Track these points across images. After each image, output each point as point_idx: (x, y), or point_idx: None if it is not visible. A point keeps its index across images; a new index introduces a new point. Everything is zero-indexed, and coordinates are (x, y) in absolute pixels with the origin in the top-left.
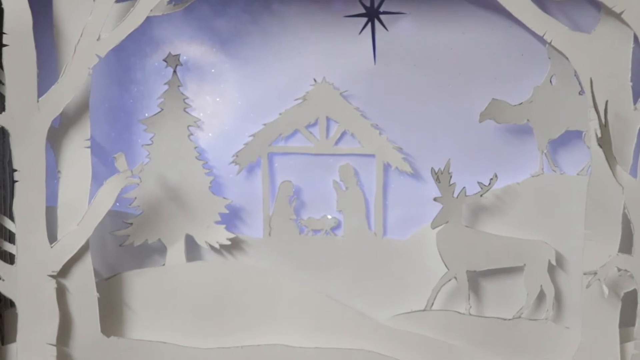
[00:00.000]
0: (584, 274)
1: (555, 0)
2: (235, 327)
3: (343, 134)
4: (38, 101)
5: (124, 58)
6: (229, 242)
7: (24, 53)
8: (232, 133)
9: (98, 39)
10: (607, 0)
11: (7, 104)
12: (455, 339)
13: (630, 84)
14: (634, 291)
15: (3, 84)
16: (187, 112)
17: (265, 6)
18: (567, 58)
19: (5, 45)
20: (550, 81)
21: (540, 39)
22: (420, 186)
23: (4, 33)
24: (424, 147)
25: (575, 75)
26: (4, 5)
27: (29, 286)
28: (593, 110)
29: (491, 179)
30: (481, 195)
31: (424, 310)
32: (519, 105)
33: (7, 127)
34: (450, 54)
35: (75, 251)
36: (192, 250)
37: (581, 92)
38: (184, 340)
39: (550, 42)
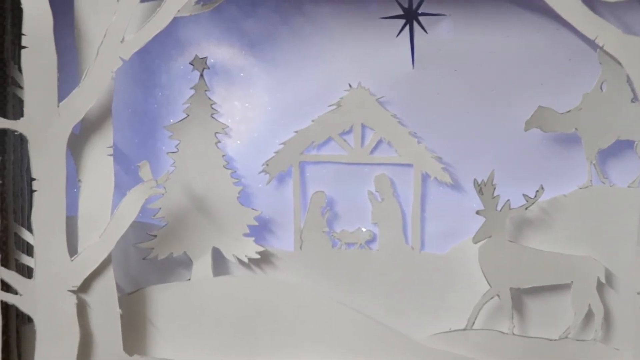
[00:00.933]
0: (638, 293)
1: (607, 1)
2: (265, 347)
3: (379, 142)
4: (58, 106)
5: (149, 61)
6: (258, 256)
7: (44, 55)
8: (261, 140)
9: (122, 41)
10: None
11: (26, 109)
12: (497, 359)
13: None
14: None
15: (22, 87)
16: (214, 118)
17: (297, 7)
18: (619, 63)
19: (25, 47)
20: (601, 88)
21: (591, 43)
22: (461, 198)
23: (23, 34)
24: (465, 157)
25: (628, 81)
26: (24, 5)
27: (48, 301)
28: None
29: (537, 191)
30: (526, 209)
31: (464, 329)
32: (567, 113)
33: (25, 133)
34: (494, 59)
35: (96, 265)
36: (220, 264)
37: (634, 100)
38: (211, 359)
39: (602, 47)
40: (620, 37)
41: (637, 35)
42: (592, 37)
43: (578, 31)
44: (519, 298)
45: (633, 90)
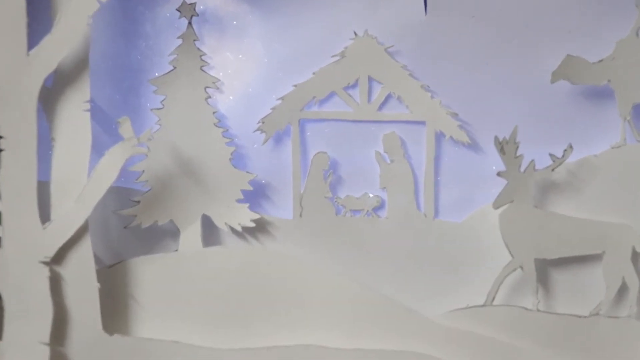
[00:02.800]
0: None
1: None
2: (260, 326)
3: (388, 98)
4: (28, 54)
5: (131, 8)
6: (253, 225)
7: None
8: (257, 96)
9: None
10: None
11: None
12: (521, 339)
13: None
14: None
15: None
16: (204, 71)
17: None
18: None
19: None
20: (637, 34)
21: None
22: (480, 159)
23: None
24: (484, 113)
25: None
26: None
27: (18, 275)
28: None
29: (565, 150)
30: (552, 170)
31: (483, 305)
32: (599, 63)
33: None
34: (516, 3)
35: (71, 233)
36: (210, 233)
37: None
38: (200, 339)
39: None
40: None
41: None
42: None
43: None
44: (545, 270)
45: None
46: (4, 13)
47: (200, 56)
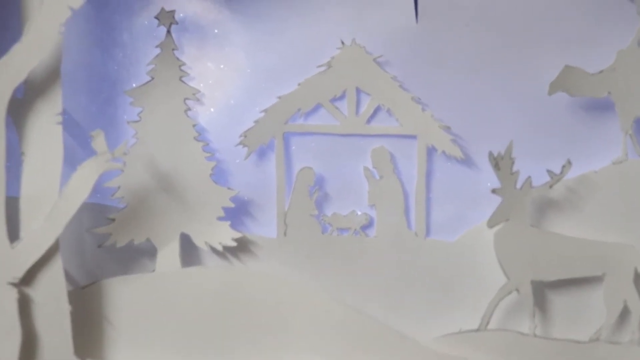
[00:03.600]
0: None
1: None
2: (243, 349)
3: (377, 110)
4: None
5: (107, 15)
6: (234, 243)
7: None
8: (239, 108)
9: None
10: None
11: None
12: None
13: None
14: None
15: None
16: (183, 82)
17: None
18: None
19: None
20: (639, 44)
21: None
22: (474, 175)
23: None
24: (479, 127)
25: None
26: None
27: None
28: None
29: (563, 166)
30: (550, 187)
31: (477, 330)
32: (599, 74)
33: None
34: (513, 10)
35: (42, 253)
36: (189, 253)
37: None
38: None
39: None
40: None
41: None
42: None
43: None
44: (542, 293)
45: None
46: None
47: (180, 66)
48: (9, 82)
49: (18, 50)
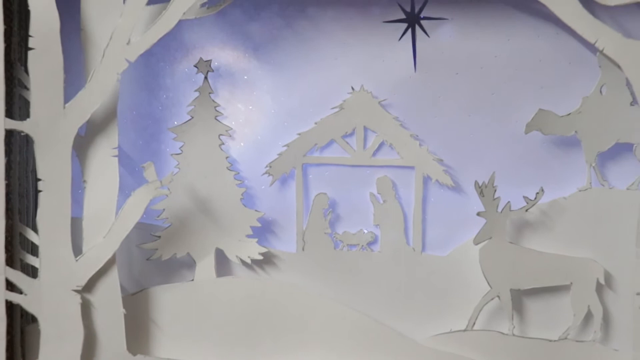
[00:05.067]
0: (637, 294)
1: (607, 5)
2: (267, 347)
3: (381, 145)
4: (64, 107)
5: (153, 63)
6: (261, 257)
7: (51, 57)
8: (265, 143)
9: (128, 43)
10: None
11: (32, 110)
12: None
13: None
14: None
15: (28, 89)
16: (218, 121)
17: (300, 10)
18: (619, 67)
19: (32, 49)
20: (601, 91)
21: (590, 47)
22: (462, 200)
23: (31, 36)
24: (467, 159)
25: (627, 84)
26: (31, 7)
27: (53, 301)
28: None
29: (537, 193)
30: (526, 210)
31: (465, 330)
32: (567, 116)
33: (31, 134)
34: (495, 62)
35: (101, 265)
36: (223, 265)
37: (633, 103)
38: (213, 359)
39: (602, 50)
40: (620, 40)
41: (636, 39)
42: (591, 41)
43: (578, 35)
44: (519, 299)
45: (632, 93)
46: (45, 72)
47: (215, 107)
48: (75, 123)
49: (83, 96)
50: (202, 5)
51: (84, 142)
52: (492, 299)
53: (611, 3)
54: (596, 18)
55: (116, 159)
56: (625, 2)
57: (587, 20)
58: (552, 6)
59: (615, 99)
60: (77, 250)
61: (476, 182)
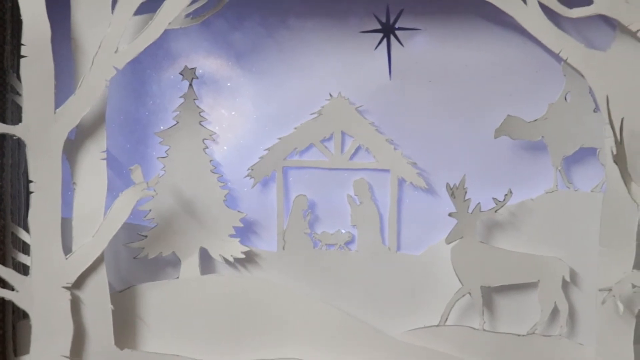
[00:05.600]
0: (599, 290)
1: (570, 17)
2: (249, 341)
3: (358, 149)
4: (55, 112)
5: (140, 71)
6: (243, 256)
7: (42, 64)
8: (247, 147)
9: (116, 52)
10: (622, 18)
11: (24, 114)
12: (469, 354)
13: None
14: None
15: (20, 95)
16: (202, 126)
17: (282, 21)
18: (582, 75)
19: (24, 57)
20: (565, 98)
21: (555, 56)
22: (435, 201)
23: (23, 44)
24: (439, 163)
25: (590, 92)
26: (23, 17)
27: (44, 298)
28: (609, 127)
29: (506, 195)
30: (496, 211)
31: (437, 325)
32: (534, 122)
33: (23, 137)
34: (466, 71)
35: (90, 263)
36: (206, 263)
37: (596, 110)
38: (198, 354)
39: (566, 60)
40: (583, 51)
41: (598, 49)
42: (556, 51)
43: (544, 45)
44: (489, 296)
45: (595, 100)
46: (36, 79)
47: (199, 112)
48: (65, 127)
49: (72, 102)
50: (187, 15)
51: (73, 145)
52: (464, 295)
53: (574, 15)
54: (560, 29)
55: (104, 161)
56: (586, 14)
57: (552, 32)
58: (519, 18)
59: (579, 106)
60: (67, 249)
61: (448, 185)
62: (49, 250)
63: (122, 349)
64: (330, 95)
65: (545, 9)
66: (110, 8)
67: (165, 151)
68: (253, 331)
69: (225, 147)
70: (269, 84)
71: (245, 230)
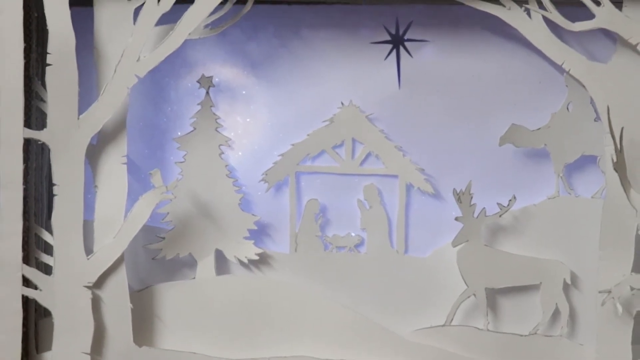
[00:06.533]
0: (599, 292)
1: (573, 30)
2: (263, 339)
3: (368, 155)
4: (78, 119)
5: (159, 79)
6: (257, 257)
7: (67, 72)
8: (261, 152)
9: (138, 60)
10: (623, 32)
11: (49, 120)
12: (473, 353)
13: None
14: None
15: (45, 101)
16: (218, 132)
17: (295, 32)
18: (584, 86)
19: (49, 65)
20: (567, 108)
21: (558, 68)
22: (441, 206)
23: (48, 53)
24: (446, 169)
25: (591, 102)
26: (49, 27)
27: (66, 296)
28: (609, 136)
29: (510, 200)
30: (500, 216)
31: (443, 325)
32: (537, 131)
33: (47, 142)
34: (472, 81)
35: (110, 263)
36: (222, 264)
37: (596, 119)
38: (213, 351)
39: (568, 71)
40: (584, 63)
41: (600, 61)
42: (559, 63)
43: (547, 57)
44: (493, 297)
45: (595, 110)
46: (61, 86)
47: (216, 119)
48: (88, 133)
49: (95, 108)
50: (206, 26)
51: (95, 150)
52: (469, 297)
53: (576, 29)
54: (563, 42)
55: (125, 166)
56: (588, 28)
57: (555, 44)
58: (524, 31)
59: (580, 115)
60: (88, 250)
61: (454, 190)
62: (71, 251)
63: (140, 346)
64: (342, 103)
65: (549, 23)
66: (132, 19)
67: (183, 156)
68: (266, 329)
69: (240, 153)
70: (282, 92)
71: (259, 233)
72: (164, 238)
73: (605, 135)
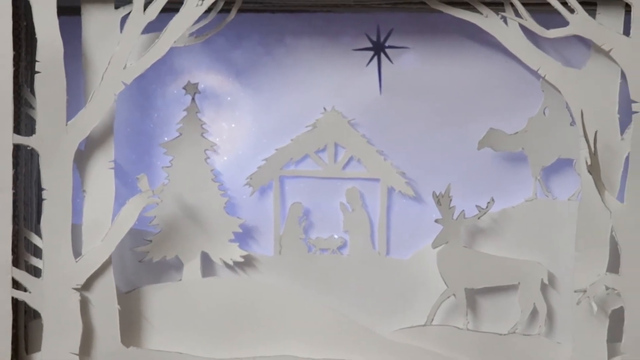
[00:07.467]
0: (575, 291)
1: (548, 37)
2: (248, 340)
3: (350, 159)
4: (67, 125)
5: (145, 86)
6: (242, 260)
7: (55, 80)
8: (246, 157)
9: (124, 68)
10: (596, 39)
11: (38, 127)
12: (453, 352)
13: (618, 116)
14: (621, 308)
15: (34, 108)
16: (204, 137)
17: (279, 39)
18: (559, 91)
19: (38, 72)
20: (544, 112)
21: (535, 74)
22: (422, 208)
23: (37, 61)
24: (426, 172)
25: (566, 107)
26: (38, 36)
27: (55, 298)
28: (584, 140)
29: (488, 202)
30: (479, 218)
31: (424, 325)
32: (515, 135)
33: (37, 148)
34: (451, 86)
35: (98, 266)
36: (208, 266)
37: (572, 123)
38: (199, 351)
39: (544, 77)
40: (560, 68)
41: (574, 67)
42: (535, 68)
43: (524, 63)
44: (473, 297)
45: (571, 115)
46: (49, 93)
47: (201, 125)
48: (76, 139)
49: (83, 115)
50: (191, 34)
51: (83, 156)
52: (449, 297)
53: (551, 36)
54: (539, 48)
55: (112, 171)
56: (562, 35)
57: (531, 51)
58: (501, 38)
59: (556, 120)
60: (76, 253)
61: (434, 193)
62: (59, 254)
63: (127, 346)
64: (325, 109)
65: (525, 30)
66: (119, 28)
67: (169, 161)
68: (251, 330)
69: (225, 158)
70: (266, 98)
71: (244, 236)
72: (150, 241)
73: (580, 138)
